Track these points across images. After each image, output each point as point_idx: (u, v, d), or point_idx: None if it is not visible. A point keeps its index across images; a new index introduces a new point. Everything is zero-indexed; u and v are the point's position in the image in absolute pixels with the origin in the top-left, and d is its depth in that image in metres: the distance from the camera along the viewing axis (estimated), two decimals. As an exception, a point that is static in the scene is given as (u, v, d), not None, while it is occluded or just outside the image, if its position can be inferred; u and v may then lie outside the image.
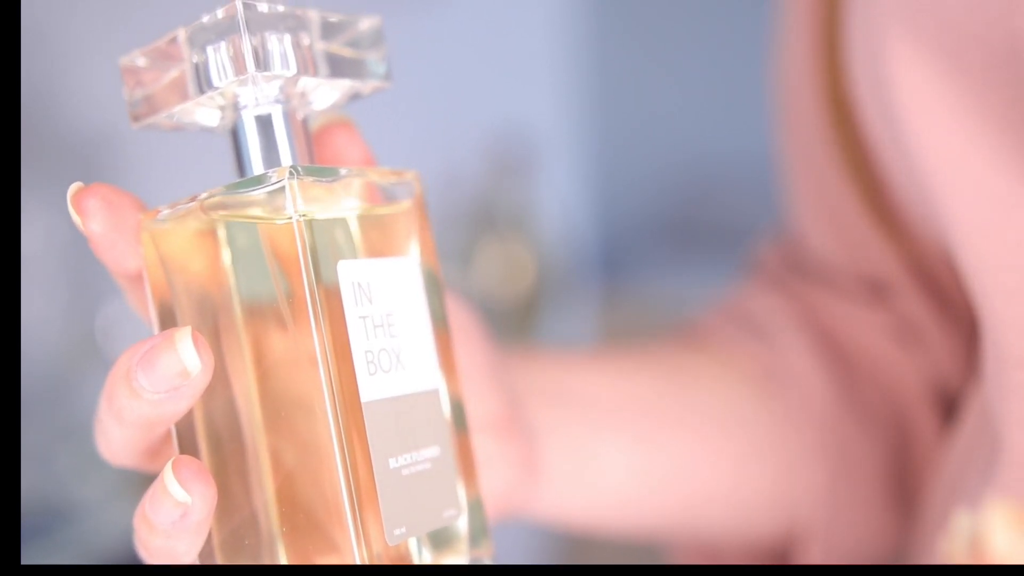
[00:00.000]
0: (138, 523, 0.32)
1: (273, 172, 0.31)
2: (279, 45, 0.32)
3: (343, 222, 0.33)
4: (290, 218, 0.31)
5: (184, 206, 0.32)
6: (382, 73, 0.35)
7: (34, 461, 0.96)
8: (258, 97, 0.33)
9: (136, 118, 0.34)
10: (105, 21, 1.05)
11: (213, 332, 0.32)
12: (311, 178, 0.31)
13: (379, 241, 0.34)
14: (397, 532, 0.32)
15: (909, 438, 0.50)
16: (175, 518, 0.30)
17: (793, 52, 0.52)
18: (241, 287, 0.32)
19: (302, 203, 0.31)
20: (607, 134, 1.65)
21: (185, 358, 0.30)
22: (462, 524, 0.35)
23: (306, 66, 0.33)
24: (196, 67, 0.32)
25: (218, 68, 0.32)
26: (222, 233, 0.32)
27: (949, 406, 0.50)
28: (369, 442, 0.31)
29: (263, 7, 0.32)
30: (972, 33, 0.37)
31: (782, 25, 0.53)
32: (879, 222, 0.50)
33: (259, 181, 0.31)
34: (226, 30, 0.31)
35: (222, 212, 0.32)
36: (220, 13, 0.31)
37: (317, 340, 0.31)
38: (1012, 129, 0.37)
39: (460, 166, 1.43)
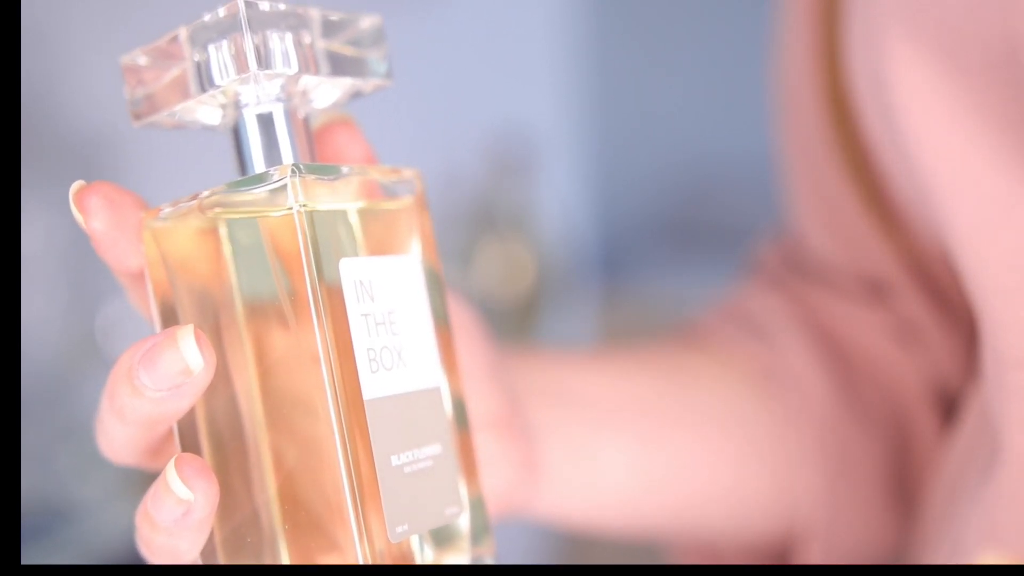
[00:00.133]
0: (140, 521, 0.32)
1: (275, 170, 0.31)
2: (280, 43, 0.32)
3: (344, 220, 0.33)
4: (290, 208, 0.31)
5: (185, 204, 0.32)
6: (383, 72, 0.35)
7: (34, 461, 0.96)
8: (259, 95, 0.33)
9: (137, 116, 0.34)
10: (105, 21, 1.05)
11: (215, 330, 0.32)
12: (313, 176, 0.31)
13: (380, 239, 0.34)
14: (399, 530, 0.32)
15: (909, 438, 0.50)
16: (177, 515, 0.31)
17: (793, 52, 0.52)
18: (243, 285, 0.32)
19: (303, 197, 0.31)
20: (607, 134, 1.65)
21: (187, 356, 0.30)
22: (464, 522, 0.35)
23: (307, 64, 0.33)
24: (197, 65, 0.32)
25: (220, 66, 0.32)
26: (223, 231, 0.32)
27: (949, 406, 0.50)
28: (371, 440, 0.31)
29: (264, 5, 0.32)
30: (971, 33, 0.37)
31: (782, 25, 0.53)
32: (879, 222, 0.50)
33: (261, 179, 0.31)
34: (228, 28, 0.31)
35: (223, 210, 0.32)
36: (221, 12, 0.32)
37: (319, 337, 0.31)
38: (1011, 129, 0.37)
39: (460, 166, 1.43)
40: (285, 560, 0.32)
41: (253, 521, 0.32)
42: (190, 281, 0.33)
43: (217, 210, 0.32)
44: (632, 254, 1.62)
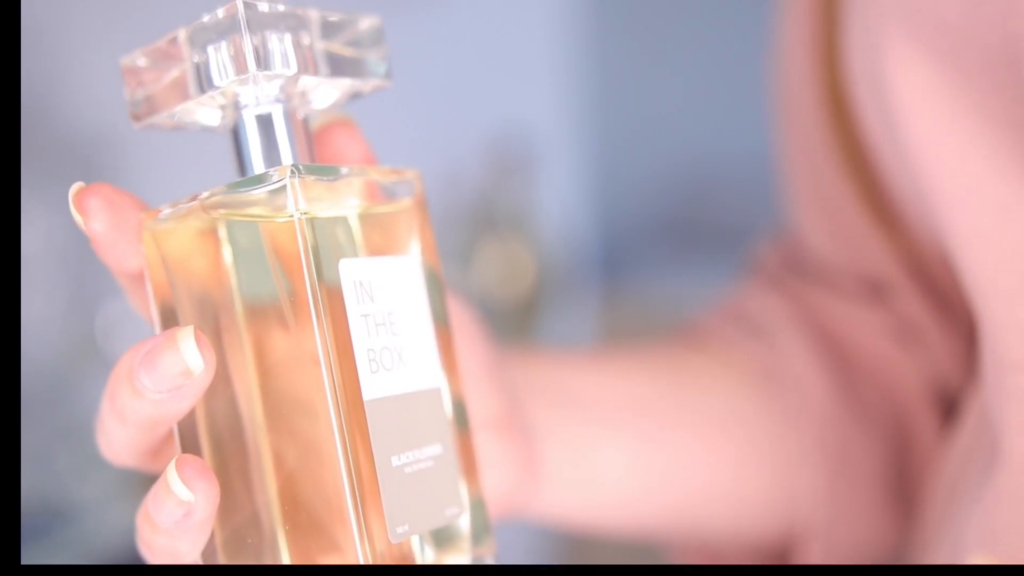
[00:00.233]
0: (141, 522, 0.32)
1: (274, 171, 0.31)
2: (280, 44, 0.32)
3: (344, 221, 0.33)
4: (291, 216, 0.31)
5: (185, 205, 0.32)
6: (382, 72, 0.35)
7: (34, 461, 0.96)
8: (259, 96, 0.33)
9: (137, 118, 0.34)
10: (105, 21, 1.05)
11: (214, 331, 0.32)
12: (312, 177, 0.31)
13: (380, 240, 0.34)
14: (400, 530, 0.32)
15: (909, 438, 0.50)
16: (178, 517, 0.31)
17: (792, 52, 0.52)
18: (242, 286, 0.32)
19: (303, 202, 0.31)
20: (607, 134, 1.65)
21: (188, 357, 0.30)
22: (464, 522, 0.35)
23: (307, 65, 0.33)
24: (197, 67, 0.32)
25: (219, 67, 0.32)
26: (223, 232, 0.32)
27: (949, 406, 0.50)
28: (372, 440, 0.31)
29: (263, 6, 0.32)
30: (970, 35, 0.37)
31: (781, 25, 0.53)
32: (878, 222, 0.50)
33: (260, 180, 0.31)
34: (227, 29, 0.31)
35: (223, 211, 0.32)
36: (220, 13, 0.32)
37: (319, 338, 0.31)
38: (1011, 130, 0.37)
39: (460, 166, 1.43)
40: (286, 561, 0.32)
41: (254, 522, 0.32)
42: (190, 282, 0.33)
43: (217, 212, 0.32)
44: (632, 254, 1.62)
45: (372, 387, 0.32)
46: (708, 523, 0.50)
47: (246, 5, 0.31)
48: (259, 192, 0.31)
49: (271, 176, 0.31)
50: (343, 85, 0.34)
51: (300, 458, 0.31)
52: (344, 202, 0.33)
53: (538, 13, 1.60)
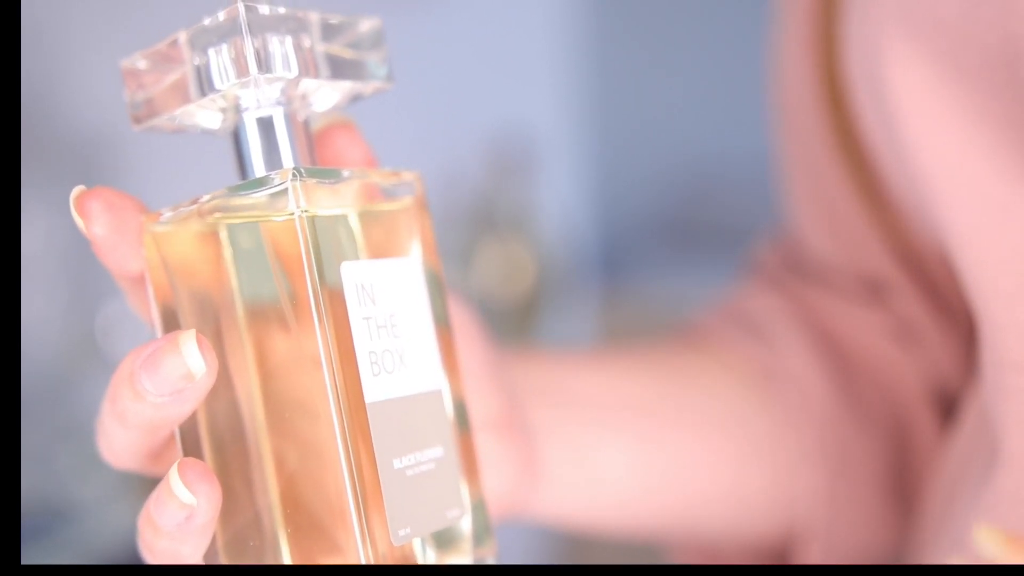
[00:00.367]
0: (143, 525, 0.32)
1: (276, 174, 0.31)
2: (280, 47, 0.32)
3: (345, 223, 0.33)
4: (291, 214, 0.31)
5: (186, 208, 0.32)
6: (383, 74, 0.35)
7: (34, 461, 0.96)
8: (259, 99, 0.33)
9: (137, 120, 0.34)
10: (105, 21, 1.05)
11: (215, 334, 0.32)
12: (313, 179, 0.31)
13: (381, 242, 0.34)
14: (402, 533, 0.32)
15: (908, 438, 0.50)
16: (180, 520, 0.30)
17: (791, 52, 0.52)
18: (243, 289, 0.32)
19: (304, 202, 0.31)
20: (607, 134, 1.65)
21: (189, 361, 0.30)
22: (466, 524, 0.35)
23: (307, 68, 0.33)
24: (197, 69, 0.32)
25: (220, 70, 0.32)
26: (224, 235, 0.32)
27: (948, 406, 0.50)
28: (373, 443, 0.31)
29: (264, 9, 0.32)
30: (969, 35, 0.37)
31: (780, 26, 0.53)
32: (878, 222, 0.50)
33: (262, 183, 0.31)
34: (227, 32, 0.31)
35: (224, 214, 0.32)
36: (221, 15, 0.32)
37: (321, 341, 0.31)
38: (1010, 130, 0.37)
39: (460, 166, 1.43)
40: (287, 563, 0.32)
41: (255, 525, 0.32)
42: (191, 285, 0.33)
43: (218, 214, 0.32)
44: (632, 254, 1.62)
45: (374, 390, 0.32)
46: (708, 523, 0.50)
47: (247, 8, 0.31)
48: (260, 195, 0.31)
49: (272, 179, 0.31)
50: (344, 87, 0.34)
51: (302, 460, 0.31)
52: (345, 203, 0.33)
53: (538, 13, 1.60)
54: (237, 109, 0.33)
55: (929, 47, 0.38)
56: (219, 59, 0.32)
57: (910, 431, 0.50)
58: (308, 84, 0.33)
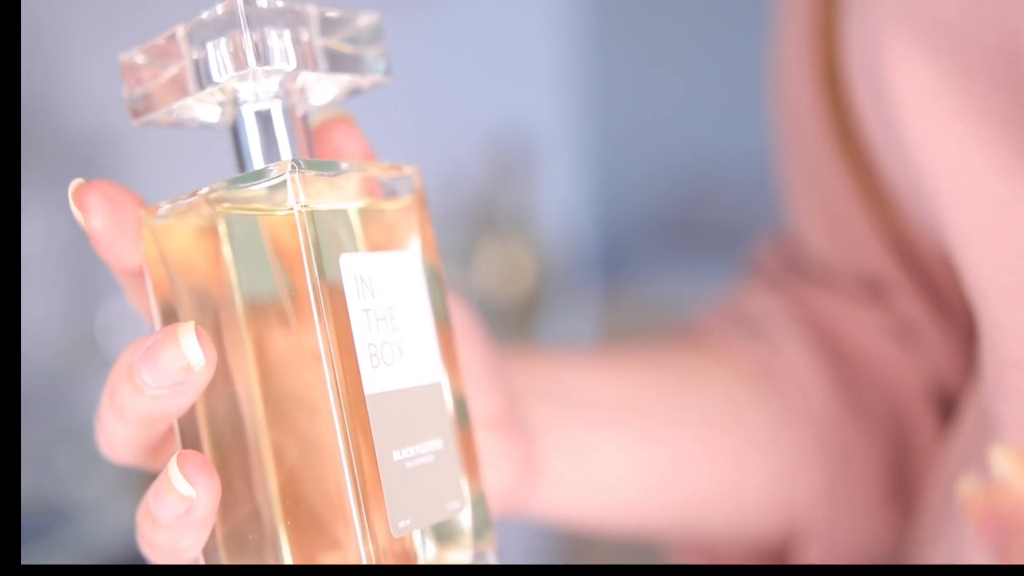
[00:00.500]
0: (141, 519, 0.31)
1: (274, 166, 0.31)
2: (279, 40, 0.32)
3: (344, 216, 0.33)
4: (291, 209, 0.31)
5: (184, 201, 0.32)
6: (381, 69, 0.35)
7: (34, 461, 0.96)
8: (258, 92, 0.33)
9: (136, 114, 0.34)
10: (105, 21, 1.05)
11: (215, 328, 0.32)
12: (312, 172, 0.31)
13: (380, 235, 0.34)
14: (401, 524, 0.32)
15: (908, 438, 0.50)
16: (179, 512, 0.30)
17: (791, 52, 0.52)
18: (242, 282, 0.32)
19: (304, 196, 0.31)
20: (607, 134, 1.65)
21: (188, 353, 0.30)
22: (466, 518, 0.35)
23: (306, 61, 0.33)
24: (196, 63, 0.32)
25: (218, 63, 0.32)
26: (223, 229, 0.32)
27: (948, 406, 0.50)
28: (373, 435, 0.31)
29: (262, 3, 0.32)
30: (970, 33, 0.37)
31: (780, 25, 0.53)
32: (877, 222, 0.50)
33: (260, 175, 0.31)
34: (226, 26, 0.31)
35: (222, 207, 0.32)
36: (220, 9, 0.32)
37: (320, 336, 0.31)
38: (1011, 129, 0.37)
39: (460, 166, 1.43)
40: (287, 556, 0.32)
41: (255, 518, 0.32)
42: (190, 279, 0.33)
43: (216, 207, 0.32)
44: (632, 254, 1.62)
45: (373, 382, 0.32)
46: (708, 523, 0.50)
47: (245, 1, 0.31)
48: (259, 188, 0.31)
49: (271, 171, 0.31)
50: (342, 81, 0.34)
51: (301, 453, 0.31)
52: (344, 197, 0.33)
53: (538, 13, 1.60)
54: (235, 103, 0.33)
55: (929, 46, 0.38)
56: (217, 52, 0.32)
57: (910, 431, 0.50)
58: (306, 77, 0.33)
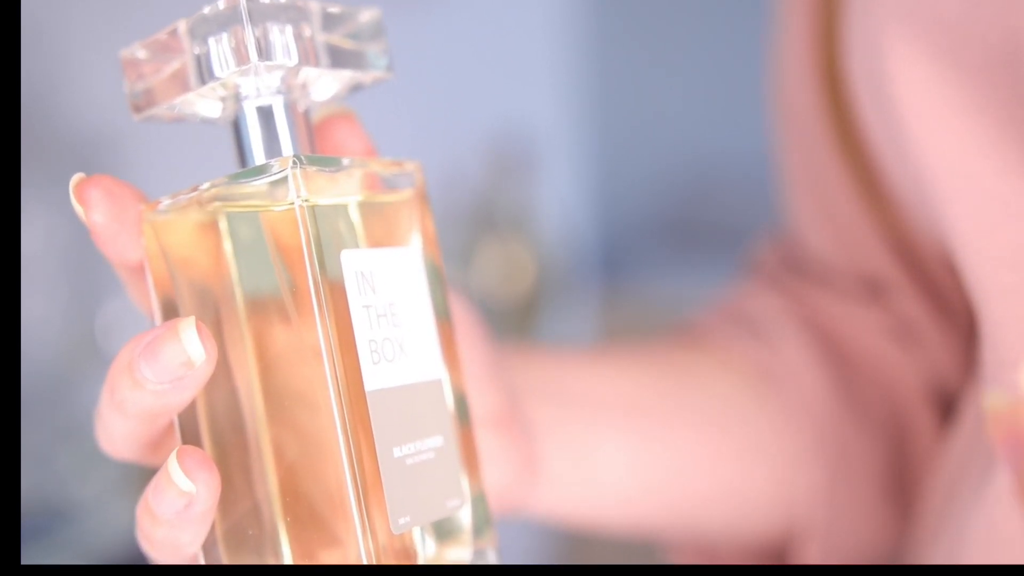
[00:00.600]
0: (141, 514, 0.31)
1: (275, 161, 0.31)
2: (281, 36, 0.32)
3: (345, 212, 0.33)
4: (292, 204, 0.31)
5: (185, 197, 0.32)
6: (383, 65, 0.35)
7: (34, 461, 0.96)
8: (260, 88, 0.33)
9: (137, 109, 0.34)
10: (105, 20, 1.05)
11: (215, 324, 0.32)
12: (314, 167, 0.31)
13: (381, 231, 0.34)
14: (401, 521, 0.32)
15: (907, 438, 0.50)
16: (179, 508, 0.30)
17: (791, 52, 0.52)
18: (243, 278, 0.32)
19: (305, 192, 0.31)
20: (607, 134, 1.65)
21: (189, 348, 0.30)
22: (466, 515, 0.34)
23: (308, 56, 0.33)
24: (197, 58, 0.32)
25: (220, 59, 0.32)
26: (223, 224, 0.32)
27: (947, 405, 0.50)
28: (373, 431, 0.31)
29: None
30: (971, 32, 0.37)
31: (780, 25, 0.53)
32: (877, 222, 0.50)
33: (261, 171, 0.31)
34: (227, 21, 0.31)
35: (223, 203, 0.32)
36: (221, 4, 0.32)
37: (321, 332, 0.30)
38: (1012, 127, 0.37)
39: (460, 166, 1.43)
40: (287, 552, 0.32)
41: (254, 514, 0.32)
42: (190, 275, 0.33)
43: (217, 203, 0.32)
44: (632, 254, 1.62)
45: (374, 378, 0.32)
46: (707, 522, 0.50)
47: None
48: (260, 183, 0.31)
49: (272, 167, 0.31)
50: (344, 77, 0.34)
51: (301, 449, 0.31)
52: (345, 193, 0.33)
53: (538, 13, 1.60)
54: (237, 98, 0.33)
55: (930, 45, 0.38)
56: (219, 47, 0.32)
57: (909, 431, 0.50)
58: (308, 73, 0.33)
